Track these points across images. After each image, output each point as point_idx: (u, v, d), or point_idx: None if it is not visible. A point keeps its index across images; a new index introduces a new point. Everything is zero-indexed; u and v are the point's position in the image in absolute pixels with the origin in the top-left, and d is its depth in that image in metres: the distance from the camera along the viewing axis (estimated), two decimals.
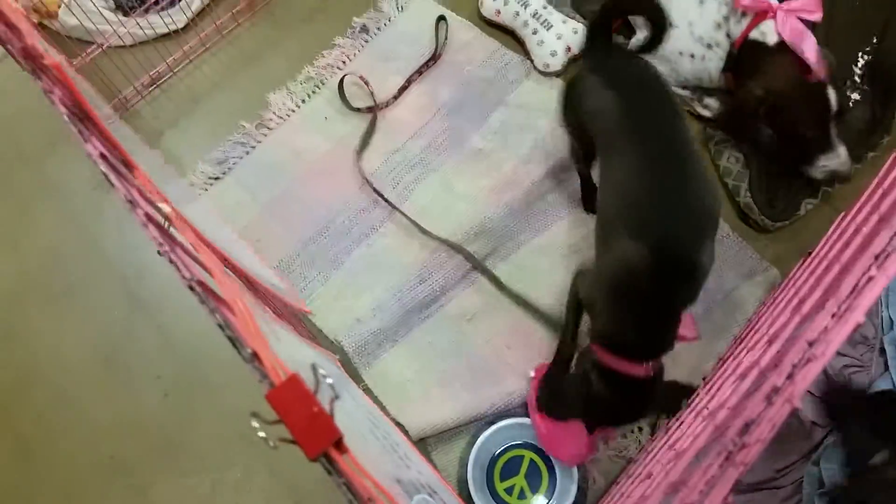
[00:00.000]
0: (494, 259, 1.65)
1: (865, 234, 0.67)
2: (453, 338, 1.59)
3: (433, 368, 1.56)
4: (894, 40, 1.72)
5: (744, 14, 1.52)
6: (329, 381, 0.53)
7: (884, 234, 0.55)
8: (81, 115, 0.68)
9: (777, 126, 1.52)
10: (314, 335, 1.55)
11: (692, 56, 1.63)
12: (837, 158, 1.50)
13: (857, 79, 1.73)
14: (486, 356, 1.57)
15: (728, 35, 1.56)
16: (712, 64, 1.62)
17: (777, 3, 1.50)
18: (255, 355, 0.52)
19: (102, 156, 0.63)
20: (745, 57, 1.54)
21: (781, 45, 1.48)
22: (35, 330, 1.68)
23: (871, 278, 0.49)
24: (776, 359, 0.69)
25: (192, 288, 0.57)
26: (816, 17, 1.49)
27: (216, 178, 1.77)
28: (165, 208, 0.64)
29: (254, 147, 1.80)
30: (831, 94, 1.46)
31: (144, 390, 1.61)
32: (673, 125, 1.22)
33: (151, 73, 1.89)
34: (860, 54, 1.73)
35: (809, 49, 1.43)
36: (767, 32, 1.50)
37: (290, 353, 0.78)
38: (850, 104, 1.70)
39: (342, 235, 1.69)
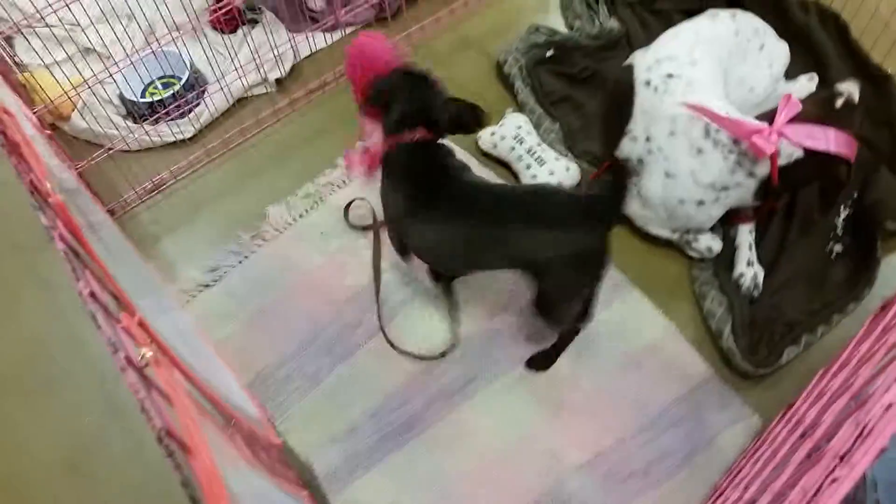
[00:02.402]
0: (476, 384, 1.64)
1: (834, 423, 0.68)
2: (429, 468, 1.56)
3: (406, 501, 1.53)
4: (874, 194, 1.79)
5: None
6: None
7: (849, 429, 0.56)
8: (78, 252, 0.70)
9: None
10: (284, 459, 1.52)
11: (699, 203, 1.67)
12: None
13: (839, 232, 1.78)
14: (464, 493, 1.53)
15: (751, 174, 1.60)
16: (731, 200, 1.65)
17: (768, 125, 1.54)
18: None
19: (92, 294, 0.64)
20: (794, 177, 1.57)
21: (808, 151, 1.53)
22: (5, 421, 1.65)
23: (834, 480, 0.49)
24: None
25: (160, 439, 0.57)
26: (799, 107, 1.54)
27: (206, 286, 1.78)
28: (147, 353, 0.65)
29: (247, 257, 1.83)
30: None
31: (109, 502, 1.56)
32: None
33: (154, 179, 1.94)
34: (842, 208, 1.80)
35: (829, 140, 1.50)
36: (792, 152, 1.54)
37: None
38: (833, 257, 1.75)
39: (325, 351, 1.69)
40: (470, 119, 1.49)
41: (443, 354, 1.67)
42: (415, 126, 1.46)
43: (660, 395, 1.61)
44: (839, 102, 1.55)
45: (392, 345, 1.68)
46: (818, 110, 1.55)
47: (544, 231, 1.37)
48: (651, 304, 1.72)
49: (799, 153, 1.53)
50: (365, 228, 1.85)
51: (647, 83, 1.72)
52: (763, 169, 1.57)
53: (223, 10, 2.12)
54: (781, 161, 1.54)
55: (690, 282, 1.77)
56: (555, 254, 1.37)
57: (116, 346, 0.60)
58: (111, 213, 1.89)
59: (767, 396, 1.61)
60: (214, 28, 2.25)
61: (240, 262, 1.82)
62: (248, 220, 1.88)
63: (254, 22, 2.26)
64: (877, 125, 1.92)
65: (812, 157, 1.52)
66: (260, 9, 2.26)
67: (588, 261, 1.40)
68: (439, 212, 1.44)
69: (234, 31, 2.25)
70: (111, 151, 1.90)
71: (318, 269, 1.80)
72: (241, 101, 2.10)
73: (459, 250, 1.49)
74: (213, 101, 2.03)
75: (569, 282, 1.43)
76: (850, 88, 1.57)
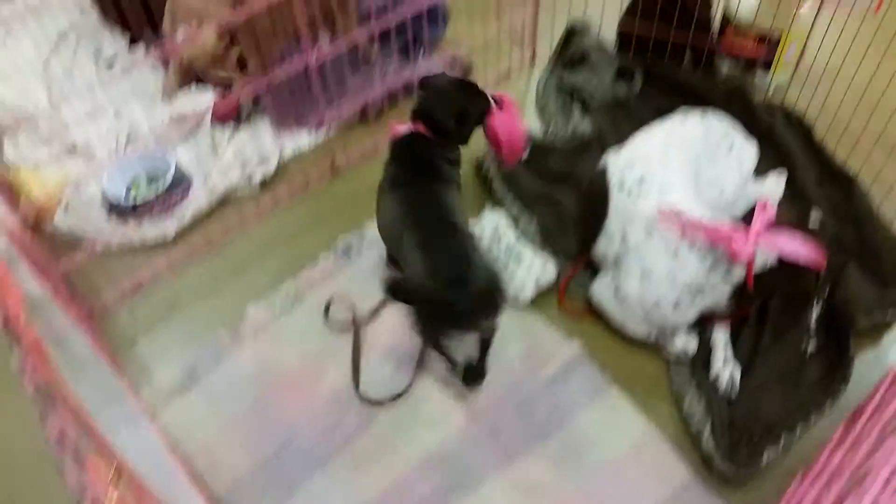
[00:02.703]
0: (458, 492, 1.62)
1: None
2: None
3: None
4: (844, 292, 1.82)
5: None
6: None
7: None
8: (49, 393, 0.70)
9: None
10: None
11: (675, 304, 1.68)
12: None
13: (812, 330, 1.81)
14: None
15: (727, 278, 1.62)
16: (706, 303, 1.67)
17: (741, 227, 1.58)
18: None
19: (60, 438, 0.64)
20: (767, 284, 1.59)
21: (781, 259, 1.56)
22: None
23: None
24: None
25: None
26: (773, 213, 1.59)
27: (181, 390, 1.76)
28: (113, 496, 0.64)
29: (225, 358, 1.81)
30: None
31: None
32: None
33: (134, 280, 1.94)
34: (813, 306, 1.83)
35: (803, 249, 1.52)
36: (767, 259, 1.56)
37: None
38: (808, 356, 1.77)
39: (301, 458, 1.66)
40: (465, 133, 1.77)
41: (397, 396, 1.74)
42: (419, 120, 1.74)
43: (643, 500, 1.60)
44: (813, 217, 1.59)
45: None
46: (792, 221, 1.59)
47: (427, 260, 1.57)
48: (630, 404, 1.72)
49: (773, 260, 1.56)
50: (345, 328, 1.85)
51: (621, 185, 1.77)
52: (738, 273, 1.60)
53: (225, 106, 2.18)
54: (757, 267, 1.57)
55: (668, 381, 1.77)
56: (422, 285, 1.55)
57: (82, 492, 0.59)
58: (89, 313, 1.88)
59: (749, 500, 1.60)
60: (214, 119, 2.31)
61: (217, 364, 1.80)
62: (228, 319, 1.88)
63: (248, 119, 2.31)
64: (843, 223, 1.97)
65: (785, 265, 1.55)
66: (257, 107, 2.32)
67: (441, 313, 1.57)
68: (400, 192, 1.72)
69: (228, 122, 2.30)
70: (93, 251, 1.90)
71: (297, 371, 1.80)
72: (224, 200, 2.13)
73: (390, 231, 1.76)
74: (197, 200, 2.06)
75: (423, 313, 1.60)
76: (815, 216, 1.62)
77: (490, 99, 1.78)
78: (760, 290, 1.60)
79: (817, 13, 2.11)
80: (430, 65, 2.43)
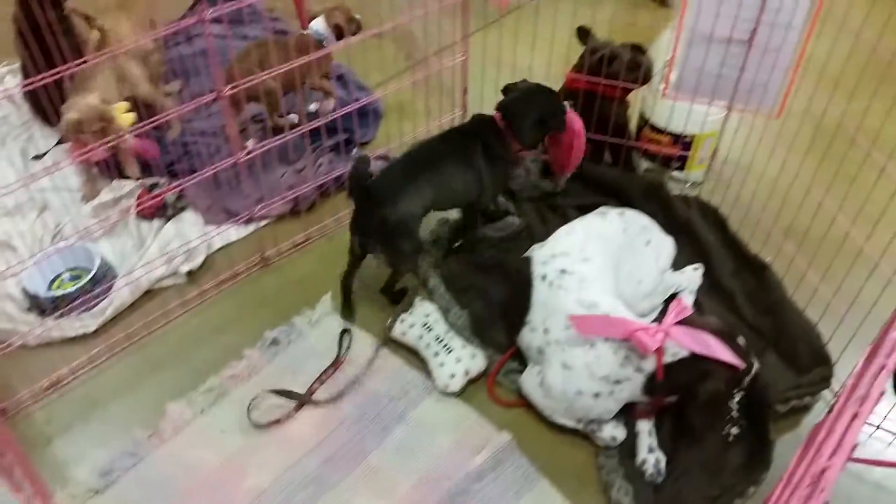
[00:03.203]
0: None
1: None
2: None
3: None
4: (763, 379, 1.86)
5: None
6: None
7: None
8: None
9: None
10: None
11: (596, 395, 1.71)
12: None
13: (734, 414, 1.84)
14: None
15: (639, 369, 1.66)
16: (625, 394, 1.70)
17: (655, 324, 1.63)
18: None
19: None
20: (676, 377, 1.63)
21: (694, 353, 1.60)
22: None
23: None
24: None
25: None
26: (689, 311, 1.64)
27: (96, 492, 1.68)
28: None
29: (142, 458, 1.74)
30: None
31: None
32: None
33: (52, 376, 1.87)
34: (735, 391, 1.86)
35: (715, 349, 1.57)
36: (678, 352, 1.61)
37: None
38: (730, 440, 1.79)
39: None
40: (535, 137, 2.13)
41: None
42: (499, 112, 2.06)
43: None
44: (741, 339, 1.66)
45: None
46: (717, 328, 1.64)
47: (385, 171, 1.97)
48: (560, 495, 1.71)
49: (684, 353, 1.61)
50: (268, 424, 1.81)
51: (543, 277, 1.82)
52: (649, 364, 1.64)
53: (149, 202, 2.18)
54: (667, 358, 1.62)
55: (597, 469, 1.77)
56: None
57: None
58: (3, 412, 1.80)
59: None
60: (138, 215, 2.30)
61: (134, 465, 1.73)
62: (147, 417, 1.82)
63: (176, 214, 2.31)
64: (760, 311, 2.05)
65: (699, 360, 1.60)
66: (183, 203, 2.33)
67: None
68: (440, 139, 2.07)
69: (154, 217, 2.30)
70: (10, 349, 1.84)
71: (216, 472, 1.73)
72: (148, 293, 2.10)
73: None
74: (121, 294, 2.02)
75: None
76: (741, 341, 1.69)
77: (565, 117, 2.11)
78: (671, 380, 1.64)
79: (727, 115, 2.25)
80: None
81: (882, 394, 1.04)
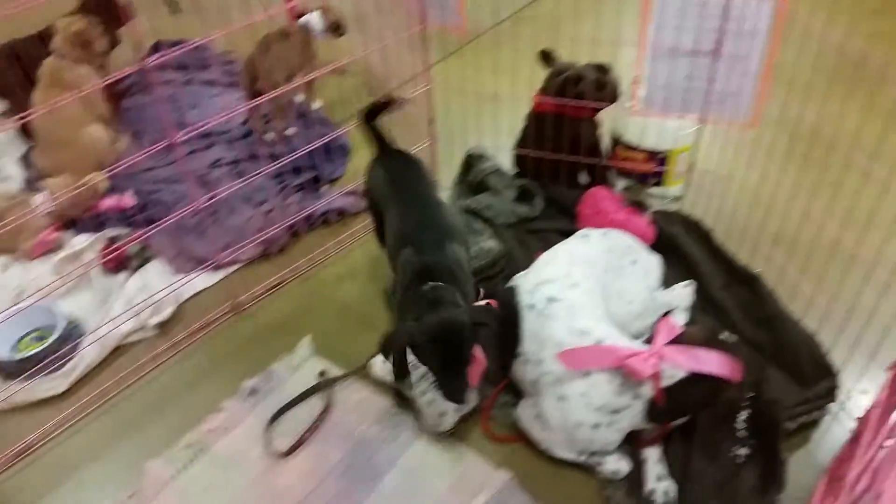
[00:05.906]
0: None
1: None
2: None
3: None
4: (768, 395, 1.80)
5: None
6: None
7: None
8: None
9: None
10: None
11: (595, 426, 1.64)
12: None
13: (740, 434, 1.77)
14: None
15: (637, 396, 1.60)
16: (625, 423, 1.64)
17: (646, 348, 1.57)
18: None
19: None
20: (679, 399, 1.57)
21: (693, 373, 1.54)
22: None
23: None
24: None
25: None
26: (679, 329, 1.59)
27: None
28: None
29: None
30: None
31: None
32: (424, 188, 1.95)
33: (21, 444, 1.77)
34: (739, 412, 1.80)
35: (712, 362, 1.52)
36: (675, 375, 1.55)
37: None
38: (740, 462, 1.71)
39: None
40: None
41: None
42: None
43: None
44: (725, 334, 1.61)
45: None
46: (703, 337, 1.60)
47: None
48: None
49: (682, 374, 1.55)
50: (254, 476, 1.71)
51: (531, 307, 1.75)
52: (647, 390, 1.58)
53: (112, 255, 2.11)
54: (665, 382, 1.56)
55: (605, 502, 1.69)
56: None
57: None
58: None
59: None
60: (102, 269, 2.23)
61: None
62: (125, 479, 1.71)
63: (141, 266, 2.24)
64: (755, 324, 1.99)
65: (696, 377, 1.54)
66: (148, 253, 2.25)
67: None
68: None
69: (118, 271, 2.22)
70: None
71: None
72: (119, 348, 2.01)
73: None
74: (90, 352, 1.93)
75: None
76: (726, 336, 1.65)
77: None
78: (673, 403, 1.58)
79: (700, 128, 2.23)
80: (330, 198, 2.44)
81: None
